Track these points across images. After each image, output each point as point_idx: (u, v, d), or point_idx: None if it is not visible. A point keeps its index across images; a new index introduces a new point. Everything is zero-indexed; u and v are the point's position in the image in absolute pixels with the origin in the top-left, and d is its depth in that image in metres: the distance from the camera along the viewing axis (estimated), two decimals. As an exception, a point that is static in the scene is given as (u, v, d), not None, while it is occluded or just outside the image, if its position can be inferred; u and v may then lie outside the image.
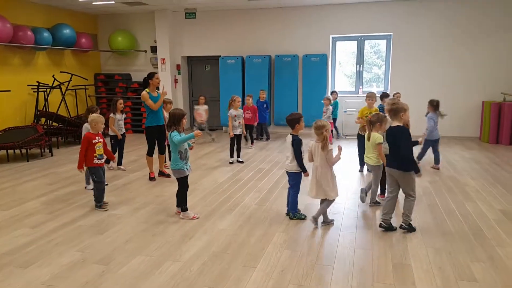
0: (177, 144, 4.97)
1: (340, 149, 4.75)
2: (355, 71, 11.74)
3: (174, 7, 11.79)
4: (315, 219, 4.92)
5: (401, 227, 4.72)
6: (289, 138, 5.00)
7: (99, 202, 5.59)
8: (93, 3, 10.68)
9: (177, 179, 5.20)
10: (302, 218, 5.10)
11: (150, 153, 7.04)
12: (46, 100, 10.49)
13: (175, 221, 5.11)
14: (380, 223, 4.77)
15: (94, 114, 5.73)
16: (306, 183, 6.28)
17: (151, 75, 6.81)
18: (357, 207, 5.57)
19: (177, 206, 5.33)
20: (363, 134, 6.67)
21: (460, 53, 10.62)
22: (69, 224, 5.04)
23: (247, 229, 4.84)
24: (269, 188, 6.52)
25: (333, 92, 10.81)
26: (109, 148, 6.75)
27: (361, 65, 11.64)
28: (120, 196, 6.12)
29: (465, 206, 5.55)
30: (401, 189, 4.68)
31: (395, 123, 4.60)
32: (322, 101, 10.18)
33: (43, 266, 3.96)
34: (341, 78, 12.16)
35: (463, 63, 10.64)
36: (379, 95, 8.31)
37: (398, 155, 4.53)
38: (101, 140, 5.59)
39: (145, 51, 12.82)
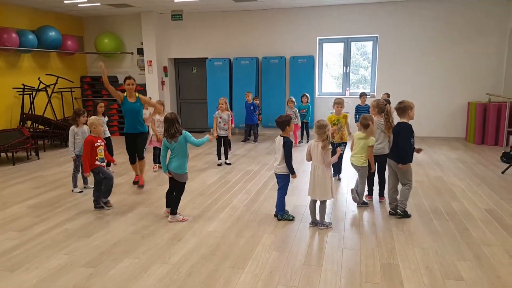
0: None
1: (339, 151, 5.22)
2: (342, 73, 11.81)
3: (161, 9, 11.75)
4: (315, 224, 4.94)
5: (396, 212, 5.12)
6: (280, 140, 4.99)
7: (105, 198, 5.62)
8: (79, 5, 10.59)
9: (180, 183, 5.15)
10: (290, 219, 5.12)
11: (131, 161, 6.78)
12: (32, 103, 10.39)
13: (163, 223, 5.09)
14: (390, 211, 5.32)
15: (92, 117, 5.73)
16: (296, 184, 6.33)
17: (124, 80, 6.48)
18: (345, 208, 5.60)
19: (167, 206, 5.33)
20: (334, 142, 6.67)
21: (446, 54, 10.74)
22: (56, 228, 5.00)
23: (236, 230, 4.85)
24: (257, 189, 6.53)
25: (303, 96, 10.52)
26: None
27: (348, 67, 11.72)
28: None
29: (452, 205, 5.62)
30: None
31: (402, 120, 5.01)
32: (287, 104, 10.18)
33: (30, 270, 3.93)
34: (328, 80, 12.22)
35: (448, 64, 10.76)
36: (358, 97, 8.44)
37: (397, 148, 5.01)
38: (102, 143, 5.57)
39: (132, 53, 12.76)
